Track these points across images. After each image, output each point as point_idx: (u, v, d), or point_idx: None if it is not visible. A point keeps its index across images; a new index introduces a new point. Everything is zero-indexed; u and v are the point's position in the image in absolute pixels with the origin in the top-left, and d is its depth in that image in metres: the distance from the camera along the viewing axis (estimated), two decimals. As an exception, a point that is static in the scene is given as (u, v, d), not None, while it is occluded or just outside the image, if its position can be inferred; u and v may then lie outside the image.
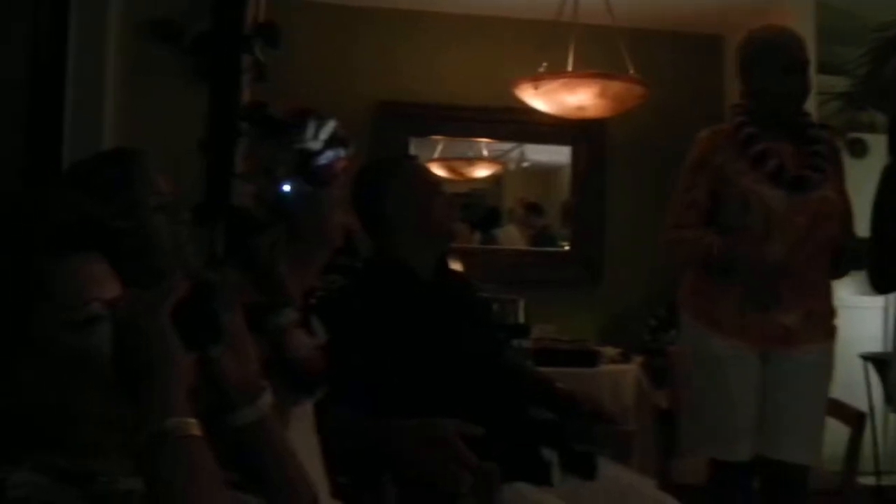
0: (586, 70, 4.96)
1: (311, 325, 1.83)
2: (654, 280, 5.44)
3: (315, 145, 1.92)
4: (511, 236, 6.46)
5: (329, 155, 1.91)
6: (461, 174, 6.34)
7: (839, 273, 3.32)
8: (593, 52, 5.16)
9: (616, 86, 5.01)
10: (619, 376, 4.74)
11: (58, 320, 1.26)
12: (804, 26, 4.63)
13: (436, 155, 6.17)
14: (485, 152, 6.44)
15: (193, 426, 1.21)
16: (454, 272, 2.98)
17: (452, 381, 2.57)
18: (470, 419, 2.39)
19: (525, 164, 6.54)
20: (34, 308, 1.25)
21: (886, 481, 4.84)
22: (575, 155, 6.11)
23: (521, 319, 5.11)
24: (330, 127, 1.94)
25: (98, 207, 1.39)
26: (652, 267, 5.14)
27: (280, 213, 1.89)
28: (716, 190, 3.24)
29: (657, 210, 3.47)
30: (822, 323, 3.28)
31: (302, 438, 1.94)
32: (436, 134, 6.09)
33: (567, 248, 6.15)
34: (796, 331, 3.20)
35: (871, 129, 5.61)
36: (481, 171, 6.50)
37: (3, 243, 1.27)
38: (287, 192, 1.88)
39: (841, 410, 3.59)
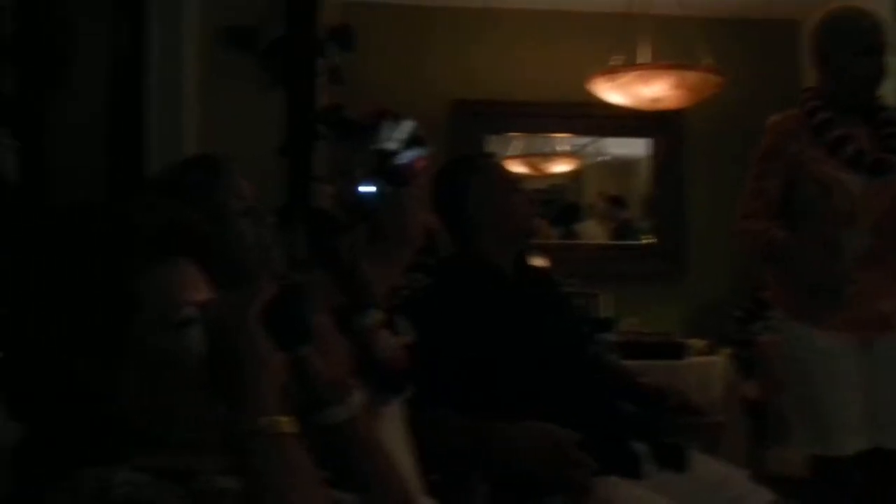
0: (660, 62, 4.93)
1: (396, 325, 1.83)
2: (738, 271, 5.36)
3: (392, 145, 1.92)
4: (591, 231, 6.42)
5: (408, 154, 1.91)
6: (539, 170, 6.32)
7: None
8: (667, 44, 5.12)
9: (691, 76, 4.97)
10: (705, 368, 4.69)
11: (152, 325, 1.28)
12: (882, 6, 4.52)
13: (512, 152, 6.15)
14: (562, 147, 6.41)
15: (287, 424, 1.22)
16: (536, 268, 2.97)
17: (539, 376, 2.56)
18: (558, 414, 2.39)
19: (603, 158, 6.51)
20: (129, 313, 1.27)
21: None
22: (654, 147, 6.06)
23: (605, 313, 5.08)
24: (407, 127, 1.95)
25: (187, 212, 1.41)
26: (736, 258, 5.06)
27: (360, 214, 1.90)
28: (791, 178, 3.19)
29: (737, 200, 3.41)
30: None
31: (392, 438, 1.95)
32: (512, 131, 6.08)
33: (649, 240, 6.09)
34: (892, 315, 3.13)
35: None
36: (559, 167, 6.48)
37: (98, 251, 1.29)
38: (366, 193, 1.89)
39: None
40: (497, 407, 2.40)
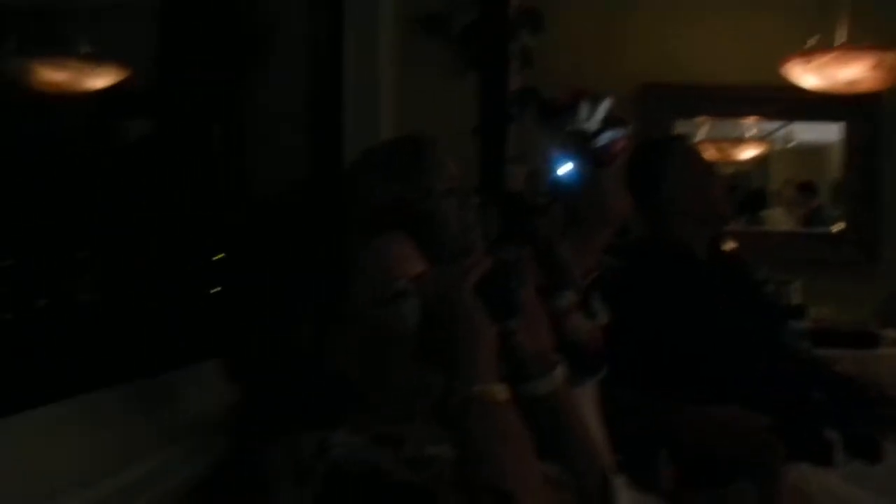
0: (858, 42, 4.76)
1: (591, 307, 1.85)
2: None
3: (591, 126, 1.92)
4: (777, 218, 6.27)
5: (608, 135, 1.90)
6: (726, 155, 6.20)
7: None
8: (865, 23, 4.94)
9: (891, 57, 4.78)
10: (902, 360, 4.54)
11: (369, 296, 1.35)
12: None
13: (700, 136, 6.05)
14: (750, 132, 6.27)
15: (501, 392, 1.26)
16: (728, 252, 2.95)
17: (731, 360, 2.55)
18: (749, 399, 2.38)
19: (791, 144, 6.33)
20: (348, 285, 1.34)
21: None
22: (849, 131, 5.86)
23: (796, 301, 4.97)
24: (605, 106, 1.94)
25: (402, 190, 1.47)
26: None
27: (559, 195, 1.92)
28: None
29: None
30: None
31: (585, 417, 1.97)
32: (700, 115, 5.97)
33: (839, 228, 5.91)
34: None
35: None
36: (747, 153, 6.34)
37: (320, 226, 1.36)
38: (565, 175, 1.90)
39: None
40: (688, 390, 2.41)
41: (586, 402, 2.01)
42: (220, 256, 1.84)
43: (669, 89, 5.59)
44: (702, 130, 6.05)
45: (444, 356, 1.29)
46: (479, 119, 3.44)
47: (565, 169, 1.90)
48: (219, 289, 1.89)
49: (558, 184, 1.91)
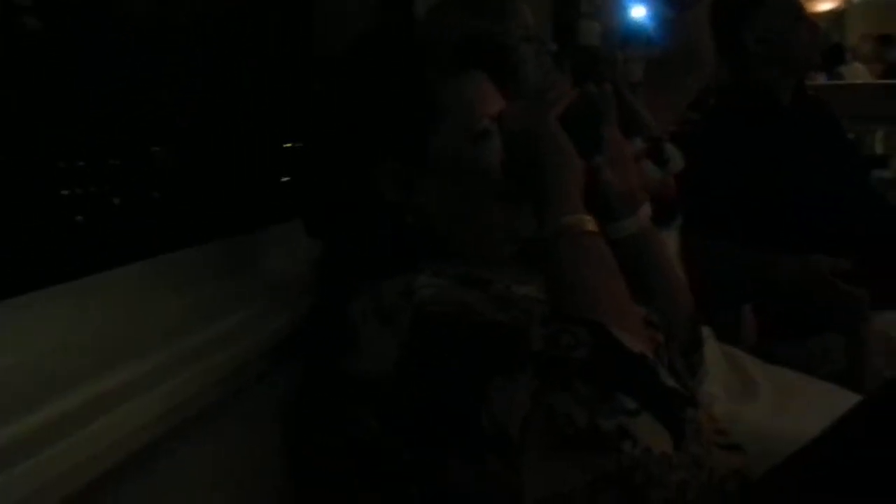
0: None
1: (665, 154, 1.81)
2: None
3: None
4: (857, 73, 6.12)
5: None
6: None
7: None
8: None
9: None
10: None
11: (452, 135, 1.33)
12: None
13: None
14: (827, -15, 6.08)
15: (590, 222, 1.24)
16: (815, 99, 2.87)
17: (818, 207, 2.51)
18: (835, 245, 2.34)
19: (869, -2, 6.15)
20: (431, 123, 1.33)
21: None
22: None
23: (879, 151, 4.88)
24: None
25: (484, 28, 1.44)
26: None
27: (639, 41, 1.87)
28: None
29: None
30: None
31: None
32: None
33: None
34: None
35: None
36: (823, 6, 6.16)
37: (401, 64, 1.34)
38: (647, 19, 1.85)
39: None
40: (773, 239, 2.38)
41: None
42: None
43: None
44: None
45: (531, 191, 1.27)
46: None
47: (646, 13, 1.85)
48: (294, 145, 1.89)
49: (637, 30, 1.86)
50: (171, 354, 1.18)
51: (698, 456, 1.20)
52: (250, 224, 1.67)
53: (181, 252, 1.46)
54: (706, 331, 2.09)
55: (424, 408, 1.17)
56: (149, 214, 1.57)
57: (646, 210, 1.47)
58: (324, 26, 2.06)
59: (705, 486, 1.28)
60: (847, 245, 2.39)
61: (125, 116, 1.48)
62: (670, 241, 2.08)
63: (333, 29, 2.07)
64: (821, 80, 5.82)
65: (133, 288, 1.32)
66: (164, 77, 1.61)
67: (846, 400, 1.81)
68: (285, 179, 1.97)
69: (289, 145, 1.98)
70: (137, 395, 1.06)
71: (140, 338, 1.19)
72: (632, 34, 1.89)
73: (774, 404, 1.94)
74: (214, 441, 1.24)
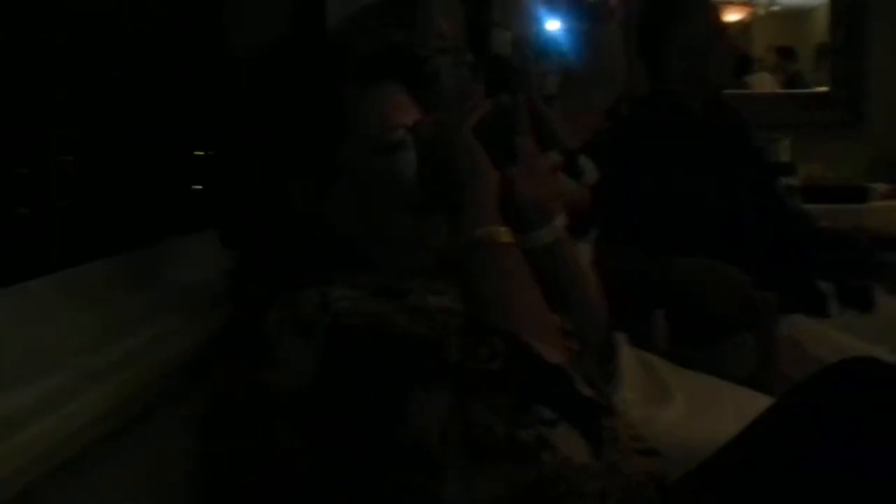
0: None
1: (577, 167, 1.82)
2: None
3: None
4: (764, 83, 6.25)
5: None
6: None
7: None
8: None
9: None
10: (889, 212, 4.57)
11: (365, 146, 1.32)
12: None
13: None
14: (734, -4, 6.20)
15: (505, 234, 1.24)
16: (725, 107, 2.91)
17: (726, 215, 2.55)
18: (744, 252, 2.38)
19: (775, 8, 6.27)
20: (343, 134, 1.32)
21: None
22: (835, -7, 5.80)
23: (784, 159, 4.98)
24: None
25: (399, 38, 1.43)
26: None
27: (551, 56, 1.88)
28: None
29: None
30: None
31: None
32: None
33: (826, 89, 5.89)
34: None
35: None
36: (731, 16, 6.27)
37: (312, 75, 1.33)
38: (559, 34, 1.86)
39: None
40: (683, 246, 2.41)
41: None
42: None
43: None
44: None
45: (446, 201, 1.27)
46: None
47: (558, 27, 1.86)
48: (207, 153, 1.86)
49: (550, 42, 1.87)
50: (79, 372, 1.15)
51: (616, 463, 1.21)
52: (160, 234, 1.64)
53: (89, 265, 1.43)
54: (620, 337, 2.11)
55: (343, 421, 1.16)
56: (55, 226, 1.54)
57: (561, 220, 1.47)
58: (234, 32, 2.04)
59: (623, 493, 1.29)
60: (756, 251, 2.43)
61: (29, 125, 1.45)
62: (584, 251, 2.09)
63: (244, 35, 2.05)
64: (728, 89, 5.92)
65: (39, 303, 1.28)
66: (71, 84, 1.57)
67: (757, 402, 1.84)
68: (197, 188, 1.94)
69: (201, 154, 1.95)
70: (45, 414, 1.03)
71: (46, 355, 1.17)
72: (546, 47, 1.90)
73: (688, 408, 1.97)
74: (127, 458, 1.22)
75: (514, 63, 2.22)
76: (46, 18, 1.53)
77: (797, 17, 6.37)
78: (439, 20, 1.94)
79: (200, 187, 1.93)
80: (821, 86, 5.95)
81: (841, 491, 1.29)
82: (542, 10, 1.90)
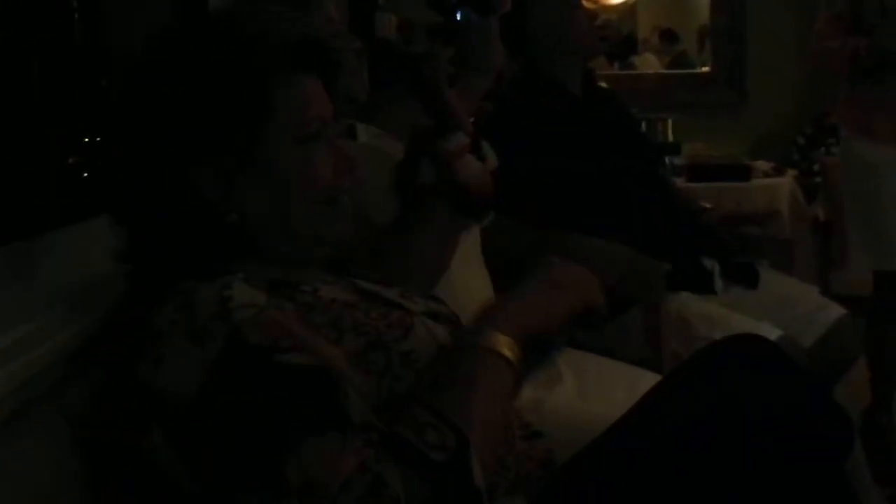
0: None
1: (481, 150, 1.82)
2: (799, 99, 5.33)
3: None
4: (648, 63, 6.34)
5: None
6: (594, 1, 6.19)
7: None
8: None
9: None
10: (773, 189, 4.71)
11: (282, 136, 1.30)
12: None
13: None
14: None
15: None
16: (603, 90, 2.95)
17: (613, 194, 2.58)
18: (632, 231, 2.41)
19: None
20: (262, 123, 1.29)
21: None
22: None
23: (670, 138, 5.07)
24: None
25: (316, 29, 1.41)
26: (796, 85, 5.02)
27: (449, 41, 1.87)
28: None
29: (801, 25, 3.37)
30: None
31: (470, 263, 1.97)
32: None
33: (709, 70, 6.01)
34: None
35: None
36: (615, -1, 6.35)
37: (231, 64, 1.29)
38: (460, 21, 1.86)
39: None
40: (569, 224, 2.43)
41: (471, 247, 2.01)
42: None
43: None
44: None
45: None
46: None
47: (461, 15, 1.86)
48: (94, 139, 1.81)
49: (452, 29, 1.87)
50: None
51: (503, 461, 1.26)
52: (44, 225, 1.60)
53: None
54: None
55: (223, 444, 1.14)
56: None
57: None
58: (115, 16, 1.99)
59: (511, 483, 1.32)
60: (640, 229, 2.46)
61: None
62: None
63: (125, 20, 2.00)
64: (612, 69, 5.99)
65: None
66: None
67: (646, 381, 1.87)
68: (83, 177, 1.89)
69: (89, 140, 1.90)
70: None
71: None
72: (435, 33, 1.89)
73: (577, 389, 1.99)
74: (6, 456, 1.18)
75: (400, 47, 2.21)
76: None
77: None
78: (329, 4, 1.91)
79: (88, 175, 1.88)
80: (705, 66, 6.07)
81: (725, 467, 1.32)
82: None
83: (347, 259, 1.51)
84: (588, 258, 2.35)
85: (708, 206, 3.14)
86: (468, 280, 1.95)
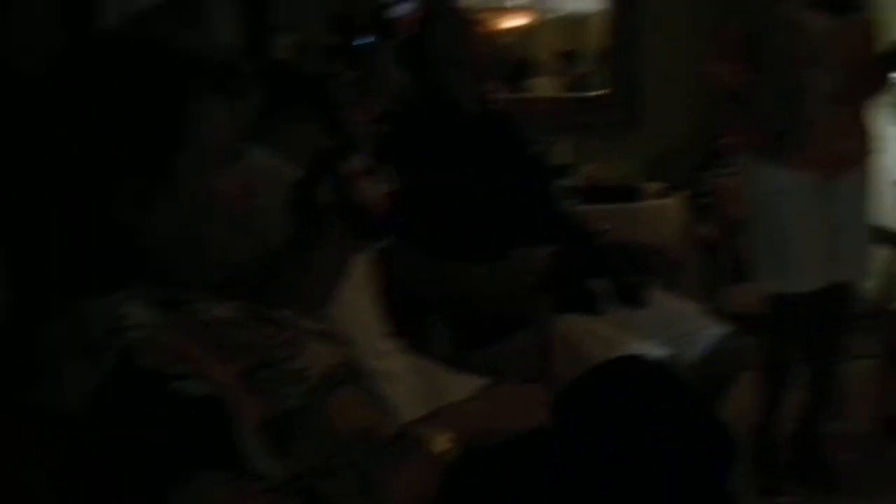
0: None
1: (381, 173, 1.83)
2: (693, 122, 5.42)
3: None
4: (543, 87, 6.39)
5: (403, 7, 1.89)
6: (492, 25, 6.22)
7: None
8: None
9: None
10: (661, 210, 4.81)
11: (190, 160, 1.29)
12: None
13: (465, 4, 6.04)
14: (516, 1, 6.32)
15: (443, 443, 1.33)
16: (499, 111, 2.98)
17: (501, 215, 2.60)
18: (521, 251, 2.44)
19: (556, 14, 6.43)
20: (168, 150, 1.28)
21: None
22: (610, -2, 6.00)
23: (564, 161, 5.12)
24: None
25: (225, 52, 1.41)
26: (691, 107, 5.11)
27: (353, 64, 1.88)
28: (756, 20, 3.18)
29: (695, 49, 3.43)
30: (870, 142, 3.29)
31: (361, 291, 1.98)
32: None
33: (601, 92, 6.10)
34: (852, 153, 3.20)
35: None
36: (512, 21, 6.40)
37: (138, 87, 1.28)
38: (364, 44, 1.87)
39: (880, 234, 3.59)
40: (460, 246, 2.44)
41: (362, 270, 2.01)
42: None
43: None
44: (467, -1, 6.04)
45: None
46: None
47: (365, 39, 1.87)
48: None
49: (357, 52, 1.88)
50: None
51: None
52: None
53: None
54: (400, 343, 2.14)
55: (106, 473, 1.12)
56: None
57: None
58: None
59: None
60: (531, 251, 2.49)
61: None
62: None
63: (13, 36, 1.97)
64: (509, 92, 6.03)
65: None
66: None
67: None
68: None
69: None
70: None
71: None
72: (333, 54, 1.91)
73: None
74: None
75: (301, 70, 2.22)
76: None
77: (577, 21, 6.56)
78: (224, 25, 1.90)
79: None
80: (602, 89, 6.15)
81: (611, 487, 1.35)
82: (356, 20, 1.91)
83: (239, 278, 1.50)
84: (480, 281, 2.42)
85: (603, 227, 3.20)
86: (357, 302, 1.96)
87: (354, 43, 1.88)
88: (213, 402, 1.15)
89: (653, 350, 2.40)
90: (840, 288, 3.24)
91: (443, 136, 2.66)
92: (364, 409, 1.34)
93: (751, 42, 3.19)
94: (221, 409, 1.15)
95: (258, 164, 2.05)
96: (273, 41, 3.10)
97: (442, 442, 1.31)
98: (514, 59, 5.53)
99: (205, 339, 1.25)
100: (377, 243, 1.84)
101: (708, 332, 2.69)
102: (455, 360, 2.40)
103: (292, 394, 1.27)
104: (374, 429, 1.32)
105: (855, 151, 3.21)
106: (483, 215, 2.58)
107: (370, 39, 1.89)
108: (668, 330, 2.63)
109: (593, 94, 6.20)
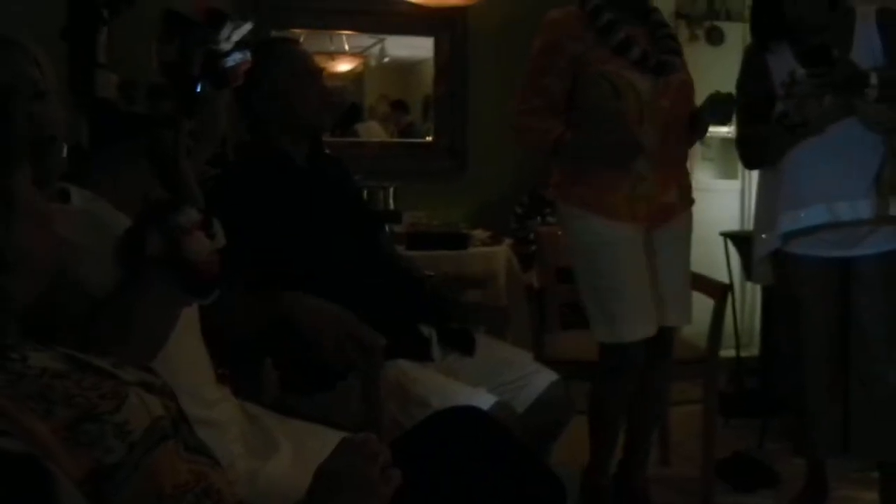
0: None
1: (212, 228, 1.79)
2: (517, 169, 5.53)
3: (225, 46, 1.89)
4: (373, 132, 6.43)
5: (237, 57, 1.89)
6: (322, 69, 6.24)
7: (698, 136, 3.50)
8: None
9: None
10: (489, 257, 4.87)
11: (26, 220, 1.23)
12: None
13: (295, 49, 6.05)
14: (346, 47, 6.36)
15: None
16: (328, 156, 2.96)
17: (329, 261, 2.59)
18: (349, 298, 2.43)
19: (386, 60, 6.50)
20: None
21: (745, 353, 5.04)
22: (437, 46, 6.08)
23: (391, 207, 5.15)
24: (245, 29, 1.92)
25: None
26: (515, 156, 5.20)
27: (190, 113, 1.86)
28: (575, 77, 3.20)
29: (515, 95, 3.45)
30: (689, 193, 3.40)
31: (187, 338, 1.93)
32: (295, 27, 5.96)
33: (429, 139, 6.17)
34: (674, 205, 3.29)
35: (728, 17, 5.82)
36: (342, 66, 6.43)
37: None
38: (199, 92, 1.85)
39: (706, 284, 3.72)
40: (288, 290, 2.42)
41: (191, 320, 1.97)
42: None
43: (264, 0, 5.52)
44: (297, 42, 6.04)
45: None
46: (67, 21, 3.20)
47: (200, 86, 1.85)
48: None
49: (194, 100, 1.85)
50: None
51: None
52: None
53: None
54: (227, 390, 2.09)
55: None
56: None
57: None
58: None
59: None
60: (360, 297, 2.48)
61: None
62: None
63: None
64: (339, 136, 6.05)
65: None
66: None
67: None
68: None
69: None
70: None
71: None
72: (157, 94, 1.87)
73: (294, 458, 1.97)
74: None
75: (124, 107, 2.17)
76: None
77: (406, 69, 6.63)
78: (32, 62, 1.82)
79: None
80: (429, 136, 6.23)
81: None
82: (192, 66, 1.88)
83: (56, 326, 1.45)
84: (311, 325, 2.39)
85: (429, 273, 3.22)
86: (184, 353, 1.90)
87: (185, 90, 1.85)
88: (30, 459, 1.10)
89: (484, 397, 2.41)
90: (664, 332, 3.32)
91: (269, 182, 2.64)
92: (188, 464, 1.29)
93: (570, 99, 3.24)
94: (40, 467, 1.10)
95: (75, 206, 1.98)
96: (97, 78, 3.02)
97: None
98: (343, 103, 5.54)
99: (21, 391, 1.19)
100: (203, 300, 1.79)
101: (537, 377, 2.72)
102: (286, 404, 2.37)
103: (114, 448, 1.22)
104: (197, 483, 1.29)
105: (676, 203, 3.31)
106: (307, 262, 2.56)
107: (206, 88, 1.86)
108: (498, 376, 2.66)
109: (419, 140, 6.27)
